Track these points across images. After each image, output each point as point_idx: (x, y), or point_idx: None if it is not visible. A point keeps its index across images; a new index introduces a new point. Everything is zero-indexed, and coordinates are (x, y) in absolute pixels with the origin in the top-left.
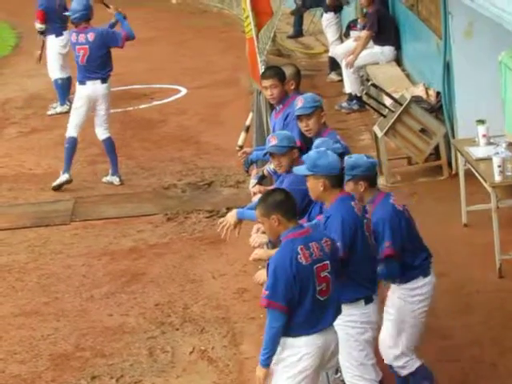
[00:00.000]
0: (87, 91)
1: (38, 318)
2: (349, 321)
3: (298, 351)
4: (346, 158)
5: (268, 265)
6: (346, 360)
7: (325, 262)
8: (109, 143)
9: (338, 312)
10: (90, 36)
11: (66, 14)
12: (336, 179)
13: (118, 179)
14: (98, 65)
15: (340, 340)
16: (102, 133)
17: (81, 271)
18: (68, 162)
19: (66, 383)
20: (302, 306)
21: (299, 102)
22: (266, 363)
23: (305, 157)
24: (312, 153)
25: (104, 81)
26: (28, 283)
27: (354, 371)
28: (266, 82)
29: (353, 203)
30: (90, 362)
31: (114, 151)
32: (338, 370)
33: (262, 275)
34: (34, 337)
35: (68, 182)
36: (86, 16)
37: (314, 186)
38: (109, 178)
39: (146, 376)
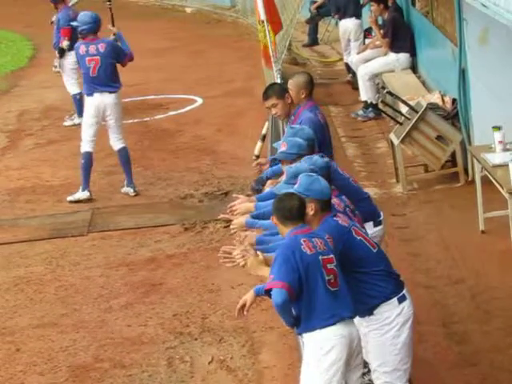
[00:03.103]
0: (95, 102)
1: (56, 330)
2: (385, 324)
3: (326, 343)
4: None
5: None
6: (378, 366)
7: (330, 256)
8: (123, 153)
9: (353, 306)
10: (101, 47)
11: (74, 24)
12: (325, 204)
13: (132, 190)
14: (108, 76)
15: (374, 346)
16: (115, 143)
17: (99, 282)
18: (86, 178)
19: None
20: (316, 293)
21: (282, 146)
22: (260, 294)
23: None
24: (304, 177)
25: (112, 92)
26: (46, 295)
27: (386, 377)
28: (266, 104)
29: (335, 218)
30: (109, 373)
31: (128, 162)
32: (364, 374)
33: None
34: (52, 348)
35: (88, 199)
36: (95, 28)
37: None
38: (124, 189)
39: None
